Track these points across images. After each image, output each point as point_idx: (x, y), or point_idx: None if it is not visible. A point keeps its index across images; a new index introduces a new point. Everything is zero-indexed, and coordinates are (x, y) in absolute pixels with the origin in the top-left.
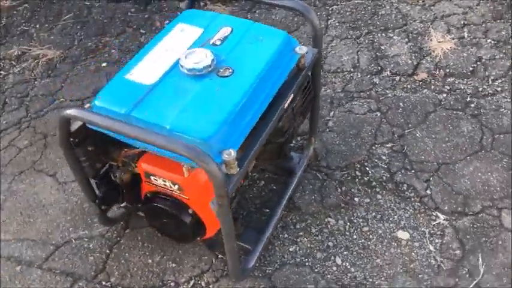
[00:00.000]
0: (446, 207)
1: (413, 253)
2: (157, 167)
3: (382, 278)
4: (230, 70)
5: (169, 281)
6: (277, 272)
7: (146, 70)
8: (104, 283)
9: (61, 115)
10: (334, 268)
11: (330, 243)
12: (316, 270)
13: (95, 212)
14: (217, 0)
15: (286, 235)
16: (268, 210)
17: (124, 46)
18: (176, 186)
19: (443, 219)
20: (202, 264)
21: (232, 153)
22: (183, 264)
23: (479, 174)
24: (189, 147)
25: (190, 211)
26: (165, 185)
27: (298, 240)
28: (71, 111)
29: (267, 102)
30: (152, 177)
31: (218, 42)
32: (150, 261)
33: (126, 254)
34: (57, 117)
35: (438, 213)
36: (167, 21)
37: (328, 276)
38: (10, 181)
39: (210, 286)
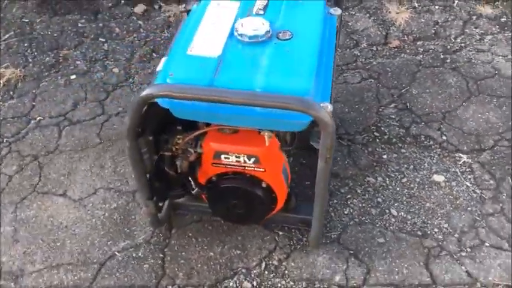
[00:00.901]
0: (465, 147)
1: (454, 191)
2: (230, 144)
3: (439, 218)
4: (289, 33)
5: (240, 268)
6: (343, 235)
7: (204, 44)
8: (170, 287)
9: (140, 96)
10: (393, 219)
11: (379, 199)
12: (377, 225)
13: (148, 212)
14: None
15: (335, 201)
16: (308, 182)
17: (88, 56)
18: (252, 160)
19: (467, 158)
20: (267, 244)
21: (329, 106)
22: (248, 249)
23: (479, 115)
24: (302, 100)
25: (264, 184)
26: (238, 161)
27: (349, 202)
28: (152, 89)
29: (332, 60)
30: (223, 156)
31: (261, 12)
32: (211, 254)
33: (183, 253)
34: (133, 101)
35: (460, 154)
36: (122, 29)
37: (391, 227)
38: (13, 210)
39: (283, 263)
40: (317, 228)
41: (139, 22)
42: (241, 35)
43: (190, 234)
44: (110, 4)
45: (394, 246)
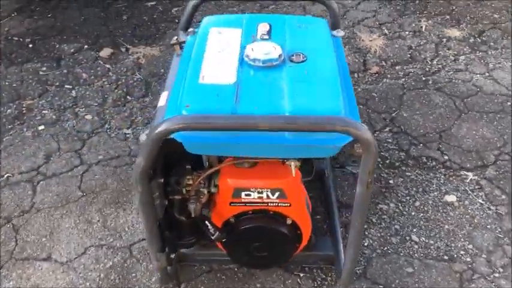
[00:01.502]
0: (468, 165)
1: (469, 210)
2: (251, 178)
3: (462, 240)
4: (302, 55)
5: None
6: (368, 268)
7: (215, 72)
8: None
9: (157, 131)
10: (416, 246)
11: (396, 226)
12: (402, 253)
13: (159, 267)
14: None
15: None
16: (319, 216)
17: (55, 105)
18: (277, 194)
19: (473, 175)
20: None
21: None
22: None
23: (474, 132)
24: (344, 120)
25: (289, 221)
26: (260, 197)
27: (367, 233)
28: (171, 123)
29: (349, 79)
30: (244, 194)
31: (266, 37)
32: None
33: None
34: (147, 139)
35: (465, 172)
36: (89, 74)
37: (416, 255)
38: None
39: None
40: (351, 263)
41: (107, 66)
42: (253, 60)
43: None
44: (72, 50)
45: (425, 275)
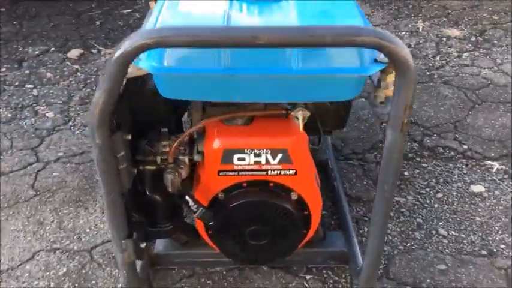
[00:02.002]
0: (492, 154)
1: (502, 201)
2: (246, 136)
3: (499, 233)
4: None
5: None
6: (391, 267)
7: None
8: None
9: (122, 51)
10: (445, 241)
11: (419, 220)
12: (429, 249)
13: (125, 261)
14: None
15: (365, 228)
16: (325, 212)
17: (13, 103)
18: (279, 157)
19: (499, 165)
20: None
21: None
22: None
23: (492, 121)
24: (375, 30)
25: (294, 196)
26: (257, 162)
27: None
28: (141, 36)
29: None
30: (236, 157)
31: None
32: None
33: None
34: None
35: (490, 162)
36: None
37: (447, 250)
38: None
39: None
40: (375, 255)
41: (76, 66)
42: None
43: None
44: (37, 52)
45: (462, 272)
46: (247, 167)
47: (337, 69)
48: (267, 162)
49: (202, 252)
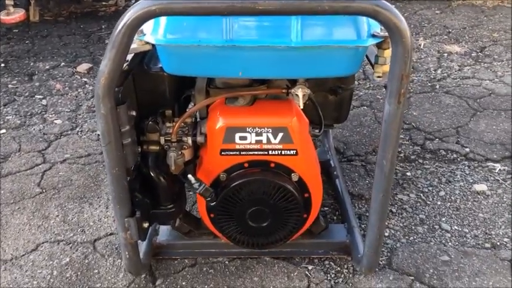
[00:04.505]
0: (494, 156)
1: (504, 199)
2: (248, 115)
3: (502, 227)
4: None
5: None
6: (393, 258)
7: None
8: None
9: (130, 16)
10: (448, 235)
11: (421, 216)
12: (432, 242)
13: (127, 242)
14: None
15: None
16: (327, 208)
17: (22, 111)
18: (280, 136)
19: (501, 166)
20: (296, 283)
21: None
22: None
23: (494, 127)
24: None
25: (295, 177)
26: (258, 141)
27: (387, 223)
28: (150, 3)
29: None
30: (238, 136)
31: None
32: None
33: None
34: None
35: (492, 163)
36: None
37: (450, 243)
38: None
39: None
40: (376, 240)
41: (84, 79)
42: None
43: (183, 284)
44: (48, 67)
45: (466, 263)
46: (248, 147)
47: (336, 40)
48: (268, 141)
49: (205, 243)
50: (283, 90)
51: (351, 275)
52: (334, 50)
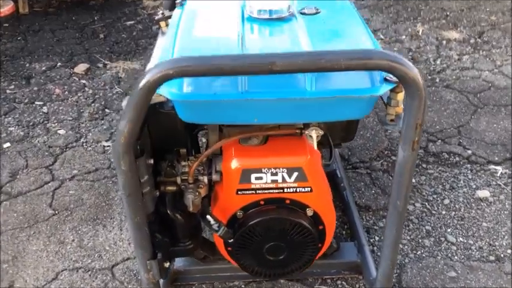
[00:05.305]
0: (496, 158)
1: (507, 205)
2: (263, 156)
3: (506, 238)
4: (315, 8)
5: None
6: (403, 276)
7: (211, 26)
8: None
9: (147, 80)
10: (454, 248)
11: (428, 227)
12: (439, 257)
13: (150, 281)
14: None
15: (376, 238)
16: (336, 222)
17: (24, 121)
18: (295, 176)
19: (503, 169)
20: None
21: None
22: None
23: (495, 125)
24: (387, 54)
25: (309, 212)
26: (274, 180)
27: None
28: (165, 66)
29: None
30: (254, 176)
31: None
32: None
33: None
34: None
35: (494, 166)
36: (63, 90)
37: (456, 257)
38: None
39: None
40: (390, 259)
41: (83, 81)
42: (258, 12)
43: None
44: (44, 68)
45: (471, 279)
46: (264, 186)
47: (350, 90)
48: (283, 180)
49: (221, 267)
50: (297, 131)
51: None
52: (348, 99)
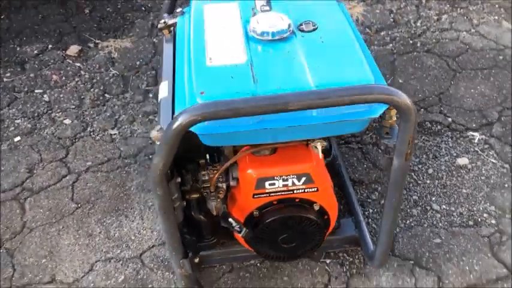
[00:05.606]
0: (474, 125)
1: (483, 171)
2: (275, 166)
3: (482, 202)
4: (312, 23)
5: None
6: (396, 245)
7: (222, 52)
8: None
9: (177, 125)
10: (438, 215)
11: (415, 197)
12: (425, 225)
13: (183, 274)
14: None
15: (370, 210)
16: None
17: (28, 112)
18: (303, 180)
19: (480, 135)
20: (319, 278)
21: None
22: None
23: (472, 90)
24: (383, 87)
25: (316, 207)
26: (285, 185)
27: None
28: (194, 113)
29: (364, 44)
30: (268, 183)
31: (266, 8)
32: None
33: None
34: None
35: (472, 133)
36: (60, 75)
37: (440, 224)
38: None
39: None
40: (387, 242)
41: (77, 64)
42: (262, 33)
43: None
44: (36, 51)
45: (454, 243)
46: (276, 189)
47: (350, 114)
48: (293, 184)
49: (238, 249)
50: (304, 143)
51: (362, 265)
52: (349, 121)
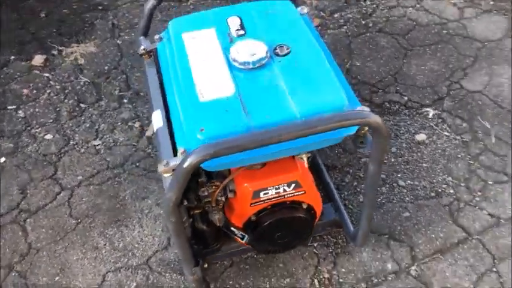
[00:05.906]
0: (427, 101)
1: (439, 145)
2: (267, 178)
3: (441, 174)
4: (286, 47)
5: None
6: (372, 222)
7: (210, 85)
8: None
9: (188, 164)
10: (405, 190)
11: (383, 176)
12: (394, 200)
13: (195, 279)
14: None
15: (346, 193)
16: None
17: (7, 130)
18: (292, 186)
19: (433, 110)
20: (309, 261)
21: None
22: (294, 273)
23: (422, 67)
24: (359, 113)
25: (304, 206)
26: (277, 192)
27: (358, 189)
28: (202, 153)
29: (332, 59)
30: (262, 193)
31: (241, 32)
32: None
33: None
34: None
35: (426, 109)
36: (30, 88)
37: (407, 198)
38: None
39: (334, 273)
40: (367, 225)
41: (45, 75)
42: (243, 63)
43: (231, 283)
44: None
45: (420, 215)
46: (270, 197)
47: (332, 133)
48: (284, 190)
49: (235, 245)
50: (291, 156)
51: (345, 244)
52: (330, 139)
